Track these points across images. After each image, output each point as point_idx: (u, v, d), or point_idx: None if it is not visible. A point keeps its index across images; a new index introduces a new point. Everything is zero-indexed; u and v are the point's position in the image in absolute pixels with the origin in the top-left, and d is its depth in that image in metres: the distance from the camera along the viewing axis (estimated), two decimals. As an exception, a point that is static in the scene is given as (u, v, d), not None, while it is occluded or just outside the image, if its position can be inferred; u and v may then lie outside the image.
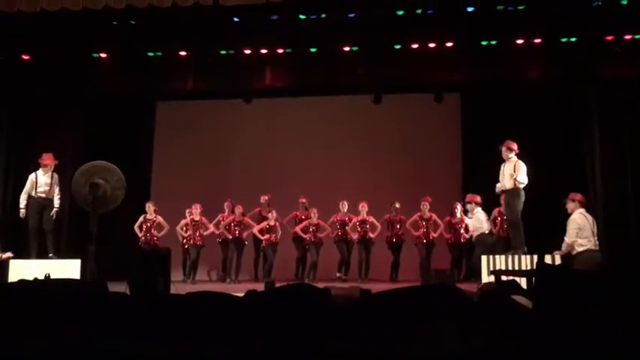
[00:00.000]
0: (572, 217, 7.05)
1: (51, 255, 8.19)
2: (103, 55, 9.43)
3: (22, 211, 8.37)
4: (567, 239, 6.96)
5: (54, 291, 2.96)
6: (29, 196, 8.35)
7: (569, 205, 7.18)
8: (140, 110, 11.34)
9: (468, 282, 8.79)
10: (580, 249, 6.87)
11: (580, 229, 6.90)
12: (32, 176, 8.43)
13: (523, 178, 7.90)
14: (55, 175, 8.43)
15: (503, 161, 8.17)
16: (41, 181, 8.39)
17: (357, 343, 2.25)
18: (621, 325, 2.37)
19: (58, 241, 8.50)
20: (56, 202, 8.43)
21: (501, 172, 8.19)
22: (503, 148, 8.15)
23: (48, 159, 8.43)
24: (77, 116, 10.09)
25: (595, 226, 7.03)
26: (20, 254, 8.27)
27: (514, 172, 7.92)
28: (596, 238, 6.96)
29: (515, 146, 8.12)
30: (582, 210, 7.08)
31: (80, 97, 9.88)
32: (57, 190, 8.40)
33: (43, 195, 8.36)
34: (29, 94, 9.47)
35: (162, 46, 9.37)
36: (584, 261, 6.73)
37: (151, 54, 9.44)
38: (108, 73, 9.46)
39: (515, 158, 8.07)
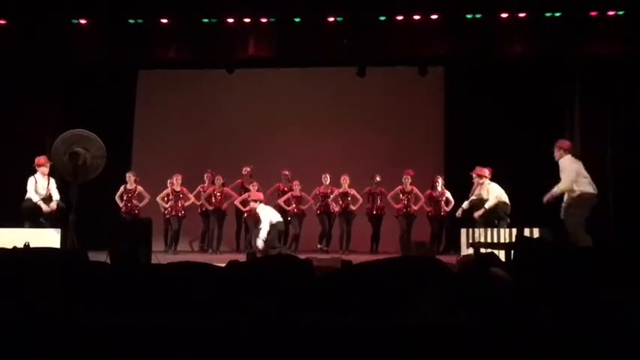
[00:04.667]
0: (561, 161, 6.90)
1: (42, 221, 8.08)
2: (83, 21, 9.22)
3: (44, 205, 8.11)
4: (562, 184, 6.79)
5: (33, 260, 2.94)
6: (28, 199, 8.17)
7: (556, 153, 7.07)
8: (121, 79, 11.15)
9: (448, 254, 8.91)
10: (578, 190, 6.84)
11: (575, 172, 6.87)
12: (32, 180, 8.22)
13: (491, 202, 8.38)
14: (52, 180, 8.25)
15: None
16: (40, 185, 8.21)
17: (338, 314, 2.27)
18: (597, 298, 2.42)
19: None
20: (55, 196, 8.22)
21: (476, 194, 8.68)
22: (474, 175, 8.69)
23: (43, 160, 8.20)
24: (56, 84, 9.91)
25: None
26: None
27: (488, 195, 8.41)
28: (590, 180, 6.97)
29: (487, 172, 8.54)
30: (569, 156, 7.04)
31: (59, 64, 9.68)
32: (55, 190, 8.23)
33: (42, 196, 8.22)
34: (5, 61, 9.25)
35: (144, 14, 9.18)
36: (582, 205, 6.79)
37: (132, 21, 9.25)
38: (88, 40, 9.26)
39: (488, 182, 8.52)
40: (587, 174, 6.95)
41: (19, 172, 8.28)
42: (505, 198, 8.42)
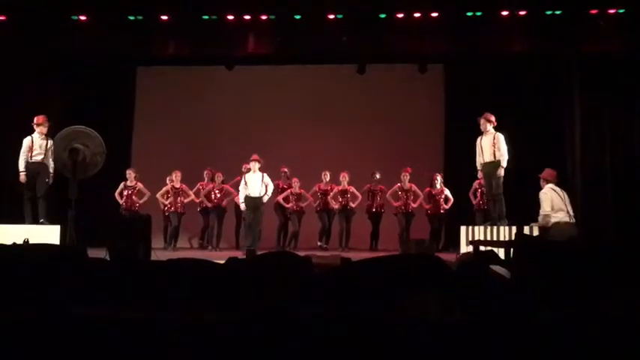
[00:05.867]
0: (541, 191, 7.19)
1: (42, 220, 8.04)
2: (83, 17, 9.21)
3: (22, 175, 8.08)
4: (541, 211, 7.10)
5: (32, 256, 2.94)
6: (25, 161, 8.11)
7: (540, 182, 7.34)
8: (121, 75, 11.15)
9: (447, 252, 8.91)
10: (552, 220, 7.00)
11: (550, 201, 7.03)
12: (28, 140, 8.14)
13: (504, 151, 7.97)
14: (50, 140, 8.01)
15: (482, 133, 8.21)
16: (37, 145, 8.12)
17: (337, 311, 2.27)
18: (597, 296, 2.42)
19: (48, 206, 8.29)
20: (51, 167, 8.12)
21: (479, 145, 8.24)
22: (482, 120, 8.18)
23: (42, 119, 8.14)
24: (56, 80, 9.90)
25: (567, 199, 7.12)
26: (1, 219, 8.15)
27: (494, 146, 7.98)
28: (569, 210, 7.06)
29: (493, 118, 8.15)
30: (551, 185, 7.19)
31: (59, 60, 9.67)
32: (51, 154, 8.01)
33: (39, 159, 8.11)
34: (5, 56, 9.23)
35: (144, 10, 9.17)
36: (557, 233, 6.85)
37: (131, 17, 9.23)
38: (88, 36, 9.25)
39: (494, 131, 8.12)
40: (565, 202, 7.03)
41: (17, 171, 8.25)
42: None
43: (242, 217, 10.22)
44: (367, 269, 2.62)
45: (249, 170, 9.53)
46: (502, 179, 8.05)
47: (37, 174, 8.12)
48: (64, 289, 2.54)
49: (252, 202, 9.10)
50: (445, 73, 11.14)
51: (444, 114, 11.18)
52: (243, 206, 9.23)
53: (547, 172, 7.34)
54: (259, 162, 9.21)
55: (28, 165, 8.09)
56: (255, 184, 9.12)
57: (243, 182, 9.22)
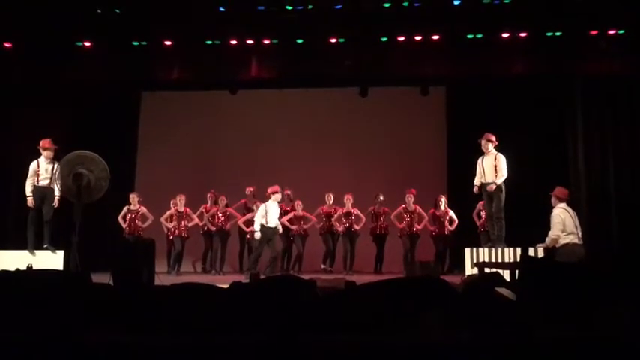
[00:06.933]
0: (554, 212, 7.15)
1: (46, 245, 8.00)
2: (87, 44, 9.31)
3: (30, 200, 8.01)
4: (551, 234, 7.05)
5: (36, 282, 2.94)
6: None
7: (552, 201, 7.30)
8: (125, 100, 11.23)
9: (452, 274, 8.86)
10: (563, 241, 6.96)
11: (563, 224, 6.99)
12: (34, 164, 8.09)
13: (504, 172, 7.98)
14: (57, 164, 7.92)
15: (483, 154, 8.22)
16: (43, 169, 8.08)
17: (342, 334, 2.26)
18: (601, 317, 2.40)
19: (54, 231, 8.24)
20: (57, 191, 8.05)
21: (479, 165, 8.24)
22: (483, 141, 8.21)
23: (48, 144, 8.10)
24: (60, 106, 9.97)
25: (577, 220, 7.11)
26: (2, 245, 8.15)
27: (495, 166, 7.99)
28: (579, 232, 7.04)
29: (494, 138, 8.18)
30: (563, 205, 7.16)
31: (63, 86, 9.75)
32: (58, 181, 7.91)
33: (45, 183, 8.05)
34: (10, 83, 9.32)
35: (148, 36, 9.27)
36: (567, 254, 6.81)
37: (135, 43, 9.34)
38: (92, 62, 9.34)
39: (495, 151, 8.14)
40: (575, 223, 7.06)
41: (22, 196, 8.26)
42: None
43: (246, 242, 10.19)
44: (372, 292, 2.61)
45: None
46: (503, 201, 8.03)
47: (43, 198, 8.09)
48: (69, 314, 2.53)
49: (270, 231, 8.92)
50: (447, 95, 11.19)
51: (447, 135, 11.20)
52: (258, 234, 8.94)
53: (559, 191, 7.31)
54: (280, 194, 9.12)
55: (35, 189, 8.09)
56: (274, 215, 8.99)
57: (263, 210, 8.99)
